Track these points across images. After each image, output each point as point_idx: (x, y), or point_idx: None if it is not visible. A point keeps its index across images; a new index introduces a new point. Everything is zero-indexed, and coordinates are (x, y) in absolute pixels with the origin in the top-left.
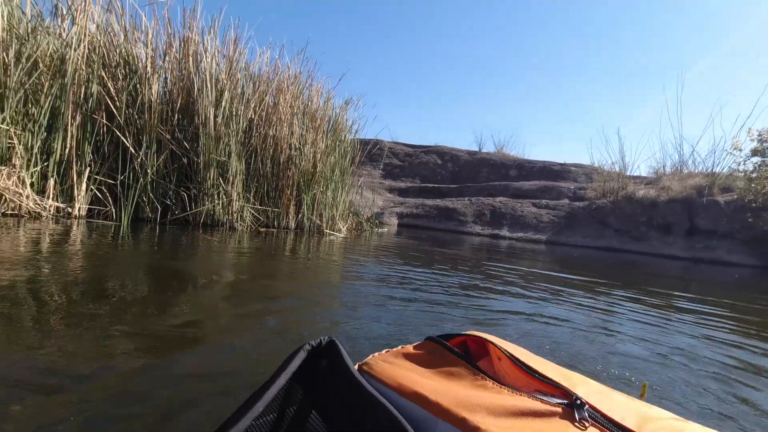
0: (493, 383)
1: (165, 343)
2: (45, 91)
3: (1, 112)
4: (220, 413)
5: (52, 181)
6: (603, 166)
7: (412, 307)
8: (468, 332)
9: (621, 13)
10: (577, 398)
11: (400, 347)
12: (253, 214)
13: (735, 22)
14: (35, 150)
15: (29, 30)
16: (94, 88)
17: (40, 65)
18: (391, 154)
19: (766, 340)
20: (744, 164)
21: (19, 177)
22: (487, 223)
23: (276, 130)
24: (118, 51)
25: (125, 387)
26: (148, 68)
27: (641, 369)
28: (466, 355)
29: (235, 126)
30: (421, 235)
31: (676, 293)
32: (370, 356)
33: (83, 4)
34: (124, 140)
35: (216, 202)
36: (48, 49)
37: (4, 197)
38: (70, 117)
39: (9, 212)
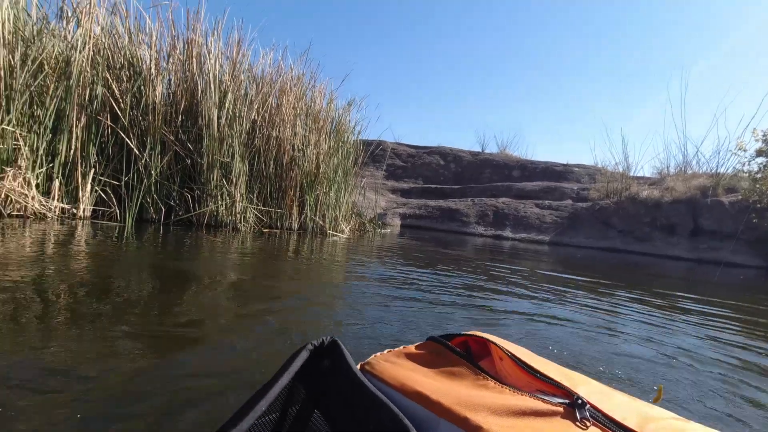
0: (494, 383)
1: (167, 342)
2: (50, 93)
3: (7, 114)
4: (222, 413)
5: (57, 183)
6: (606, 166)
7: (415, 308)
8: (469, 332)
9: (621, 13)
10: (579, 398)
11: (401, 347)
12: (256, 215)
13: (735, 22)
14: (41, 151)
15: (35, 32)
16: (99, 89)
17: (46, 67)
18: (394, 155)
19: None
20: (749, 165)
21: (24, 178)
22: (490, 223)
23: (279, 132)
24: (122, 53)
25: (127, 386)
26: (152, 70)
27: (646, 370)
28: (467, 355)
29: (238, 127)
30: (424, 236)
31: (680, 294)
32: (372, 356)
33: (88, 6)
34: (129, 142)
35: (219, 203)
36: (53, 51)
37: (10, 198)
38: (75, 119)
39: (15, 213)
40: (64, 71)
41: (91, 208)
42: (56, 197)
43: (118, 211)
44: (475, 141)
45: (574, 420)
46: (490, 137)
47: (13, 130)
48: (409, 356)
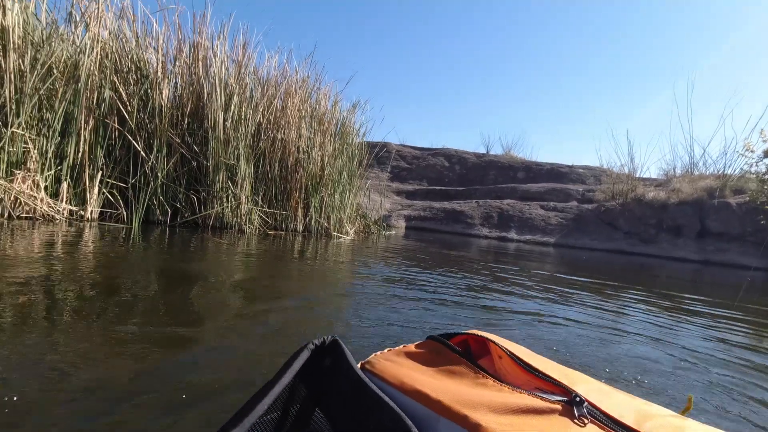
0: (493, 381)
1: (172, 341)
2: (59, 96)
3: (17, 117)
4: (225, 412)
5: (65, 185)
6: (612, 167)
7: (419, 308)
8: (469, 331)
9: (622, 13)
10: (577, 395)
11: (401, 346)
12: (261, 216)
13: (739, 21)
14: (49, 154)
15: (44, 37)
16: (107, 93)
17: (55, 71)
18: (399, 157)
19: None
20: (756, 166)
21: (33, 181)
22: (495, 225)
23: (284, 134)
24: (129, 56)
25: (130, 385)
26: (159, 73)
27: (655, 372)
28: (467, 354)
29: (243, 130)
30: (429, 238)
31: (687, 295)
32: (372, 355)
33: (96, 11)
34: (136, 144)
35: (225, 205)
36: (62, 55)
37: (19, 201)
38: (83, 122)
39: (24, 215)
40: (72, 75)
41: (99, 210)
42: (64, 199)
43: (125, 213)
44: (480, 142)
45: (572, 417)
46: (495, 139)
47: (23, 133)
48: (409, 355)
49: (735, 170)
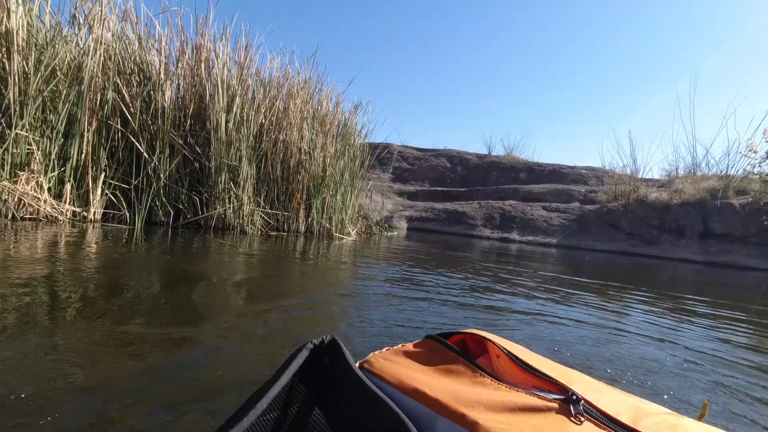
0: (491, 380)
1: (173, 341)
2: (62, 98)
3: (21, 119)
4: (223, 412)
5: (68, 186)
6: (614, 168)
7: (421, 308)
8: (467, 330)
9: (621, 12)
10: (574, 394)
11: (400, 345)
12: (263, 217)
13: (738, 23)
14: (53, 156)
15: (48, 39)
16: (110, 94)
17: (58, 73)
18: (401, 158)
19: None
20: (759, 166)
21: (37, 182)
22: (497, 226)
23: (286, 135)
24: (132, 58)
25: (128, 386)
26: (162, 75)
27: (659, 372)
28: (465, 353)
29: (246, 131)
30: (431, 239)
31: (690, 296)
32: (371, 354)
33: (99, 13)
34: (138, 146)
35: (227, 206)
36: (65, 57)
37: (23, 202)
38: (86, 123)
39: (28, 216)
40: (76, 77)
41: (102, 211)
42: (68, 200)
43: (127, 214)
44: (482, 143)
45: (568, 415)
46: (497, 139)
47: (27, 134)
48: (408, 354)
49: (738, 171)
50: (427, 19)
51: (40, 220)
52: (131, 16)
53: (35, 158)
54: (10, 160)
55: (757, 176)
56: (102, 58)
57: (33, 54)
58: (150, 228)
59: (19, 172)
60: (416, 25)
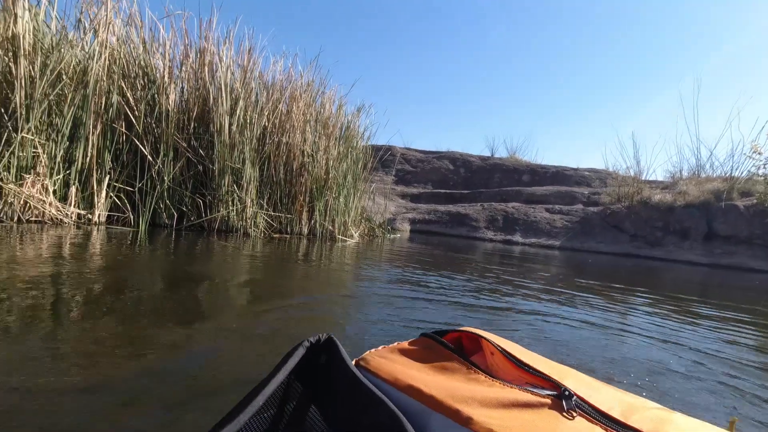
0: (485, 377)
1: (171, 342)
2: (68, 101)
3: (27, 122)
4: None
5: (73, 189)
6: (617, 170)
7: (423, 309)
8: (462, 328)
9: (622, 12)
10: (566, 390)
11: (395, 343)
12: (266, 220)
13: (740, 24)
14: (58, 159)
15: (53, 43)
16: (115, 98)
17: (64, 77)
18: (403, 160)
19: None
20: (764, 168)
21: (42, 185)
22: (500, 228)
23: (289, 138)
24: (137, 62)
25: (128, 386)
26: (166, 78)
27: (665, 373)
28: (459, 351)
29: (249, 134)
30: (434, 241)
31: (694, 298)
32: (367, 352)
33: (105, 18)
34: (142, 149)
35: (230, 208)
36: (71, 61)
37: (28, 204)
38: (91, 126)
39: (33, 219)
40: (81, 80)
41: (106, 213)
42: (73, 203)
43: (131, 217)
44: (485, 145)
45: (561, 411)
46: (500, 141)
47: (32, 138)
48: (403, 352)
49: (742, 172)
50: (427, 19)
51: (46, 223)
52: (136, 21)
53: (41, 161)
54: (16, 163)
55: (762, 178)
56: (107, 62)
57: (39, 58)
58: (154, 230)
59: (24, 175)
60: (416, 25)
